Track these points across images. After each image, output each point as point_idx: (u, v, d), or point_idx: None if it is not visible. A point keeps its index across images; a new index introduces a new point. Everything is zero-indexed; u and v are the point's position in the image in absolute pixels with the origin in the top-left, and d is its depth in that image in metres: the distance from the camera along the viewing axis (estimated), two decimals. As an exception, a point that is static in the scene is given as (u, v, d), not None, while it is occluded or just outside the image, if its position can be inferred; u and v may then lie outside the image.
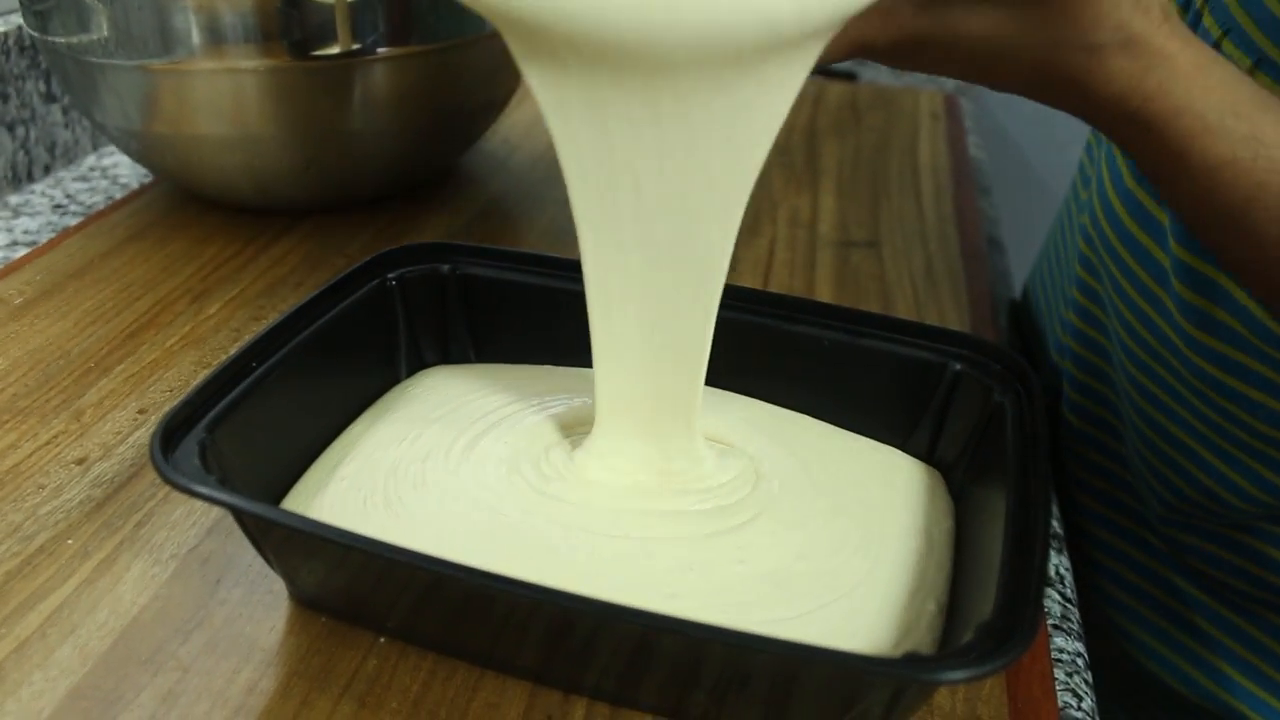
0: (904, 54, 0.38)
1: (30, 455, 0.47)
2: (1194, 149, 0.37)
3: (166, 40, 0.59)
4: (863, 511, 0.42)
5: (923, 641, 0.36)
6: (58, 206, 0.73)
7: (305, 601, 0.39)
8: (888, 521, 0.41)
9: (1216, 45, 0.47)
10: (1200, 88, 0.36)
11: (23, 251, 0.66)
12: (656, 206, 0.37)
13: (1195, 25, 0.49)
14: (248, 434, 0.40)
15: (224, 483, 0.36)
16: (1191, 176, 0.38)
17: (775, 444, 0.45)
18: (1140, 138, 0.38)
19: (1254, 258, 0.40)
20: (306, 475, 0.42)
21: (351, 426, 0.46)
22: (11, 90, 0.75)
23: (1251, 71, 0.45)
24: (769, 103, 0.35)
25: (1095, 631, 0.58)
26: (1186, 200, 0.40)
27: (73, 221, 0.71)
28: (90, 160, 0.82)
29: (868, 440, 0.47)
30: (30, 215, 0.72)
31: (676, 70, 0.33)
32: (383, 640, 0.38)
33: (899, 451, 0.46)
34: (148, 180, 0.76)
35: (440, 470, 0.42)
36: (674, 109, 0.34)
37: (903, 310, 0.62)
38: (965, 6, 0.36)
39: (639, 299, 0.39)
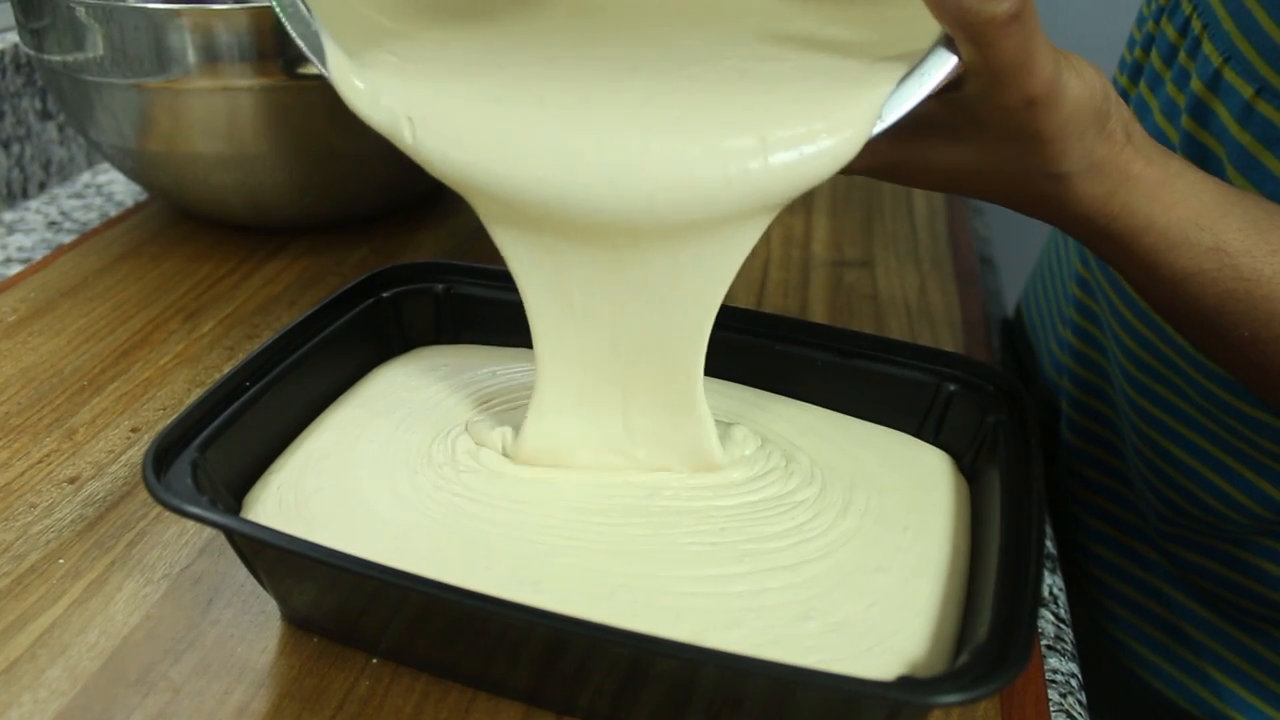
0: (880, 176, 0.40)
1: (22, 474, 0.46)
2: (1161, 262, 0.39)
3: (161, 59, 0.59)
4: (919, 521, 0.41)
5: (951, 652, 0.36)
6: (52, 224, 0.73)
7: (297, 622, 0.39)
8: (937, 530, 0.41)
9: (1217, 73, 0.47)
10: (1163, 205, 0.38)
11: (17, 269, 0.66)
12: (613, 329, 0.40)
13: (1194, 53, 0.49)
14: (241, 453, 0.40)
15: (216, 502, 0.36)
16: (1161, 286, 0.40)
17: (826, 449, 0.45)
18: (1111, 251, 0.40)
19: (1230, 357, 0.41)
20: (258, 481, 0.42)
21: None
22: (7, 108, 0.75)
23: (1253, 99, 0.45)
24: (718, 259, 0.38)
25: (1096, 648, 0.58)
26: (1161, 305, 0.41)
27: (67, 239, 0.71)
28: (85, 178, 0.82)
29: (892, 431, 0.47)
30: (25, 232, 0.72)
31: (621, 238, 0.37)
32: (375, 661, 0.38)
33: (922, 442, 0.46)
34: (142, 198, 0.76)
35: (335, 471, 0.41)
36: (623, 263, 0.38)
37: (896, 330, 0.62)
38: (937, 140, 0.38)
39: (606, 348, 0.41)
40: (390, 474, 0.41)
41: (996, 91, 0.35)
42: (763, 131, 0.35)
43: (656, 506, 0.41)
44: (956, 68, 0.34)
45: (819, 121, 0.35)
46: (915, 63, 0.35)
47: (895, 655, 0.35)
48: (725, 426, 0.44)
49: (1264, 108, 0.45)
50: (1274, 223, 0.38)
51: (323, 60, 0.37)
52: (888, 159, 0.39)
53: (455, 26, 0.41)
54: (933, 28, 0.35)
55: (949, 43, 0.34)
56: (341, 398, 0.46)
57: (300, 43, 0.38)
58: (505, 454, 0.43)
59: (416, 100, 0.37)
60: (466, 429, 0.44)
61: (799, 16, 0.41)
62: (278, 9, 0.38)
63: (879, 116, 0.35)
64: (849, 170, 0.40)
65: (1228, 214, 0.38)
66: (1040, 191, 0.38)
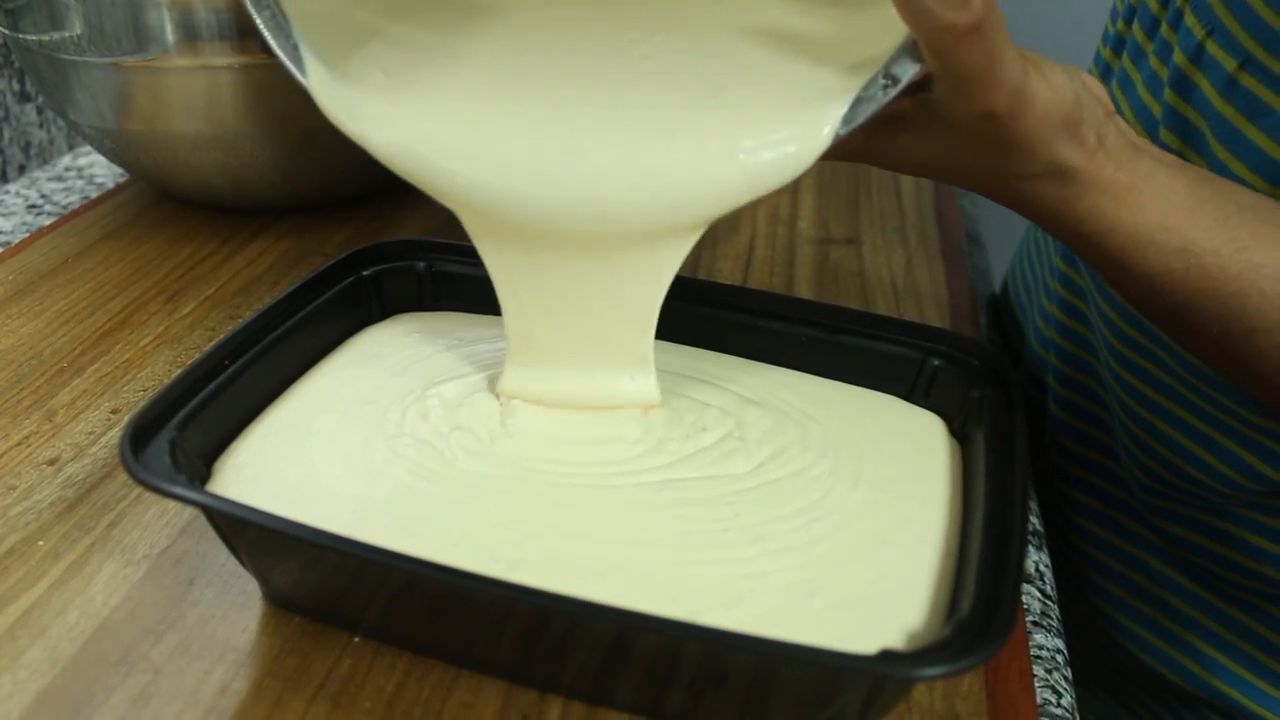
0: (853, 160, 0.41)
1: (1, 456, 0.46)
2: (1129, 262, 0.39)
3: (140, 37, 0.58)
4: (924, 489, 0.41)
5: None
6: (32, 207, 0.73)
7: (279, 601, 0.39)
8: (938, 497, 0.40)
9: (1200, 46, 0.47)
10: (1129, 208, 0.38)
11: (-4, 251, 0.65)
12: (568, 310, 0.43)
13: (1176, 25, 0.49)
14: (220, 432, 0.40)
15: (195, 481, 0.36)
16: (1131, 283, 0.40)
17: (836, 418, 0.44)
18: (1080, 249, 0.40)
19: (1203, 349, 0.42)
20: (223, 452, 0.41)
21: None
22: (-15, 89, 0.74)
23: (1236, 73, 0.45)
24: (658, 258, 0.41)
25: (1084, 622, 0.58)
26: (1133, 300, 0.42)
27: (47, 222, 0.70)
28: (65, 160, 0.81)
29: (889, 396, 0.46)
30: (4, 216, 0.71)
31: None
32: (357, 640, 0.37)
33: (917, 407, 0.46)
34: (123, 179, 0.76)
35: (294, 442, 0.41)
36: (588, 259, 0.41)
37: (882, 307, 0.62)
38: (908, 135, 0.38)
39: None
40: (344, 446, 0.41)
41: (959, 100, 0.35)
42: (729, 140, 0.38)
43: (666, 499, 0.40)
44: (918, 73, 0.35)
45: (783, 130, 0.37)
46: (881, 66, 0.35)
47: (899, 630, 0.34)
48: (742, 405, 0.44)
49: (1247, 81, 0.44)
50: (1244, 218, 0.38)
51: (303, 73, 0.39)
52: (860, 150, 0.40)
53: (427, 22, 0.40)
54: (901, 27, 0.35)
55: (914, 48, 0.34)
56: (313, 367, 0.45)
57: (282, 56, 0.39)
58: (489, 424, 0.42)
59: (393, 118, 0.40)
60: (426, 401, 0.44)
61: (771, 7, 0.41)
62: (260, 22, 0.38)
63: (842, 120, 0.37)
64: (823, 156, 0.40)
65: (1197, 212, 0.38)
66: (1008, 190, 0.39)
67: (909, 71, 0.35)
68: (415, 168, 0.40)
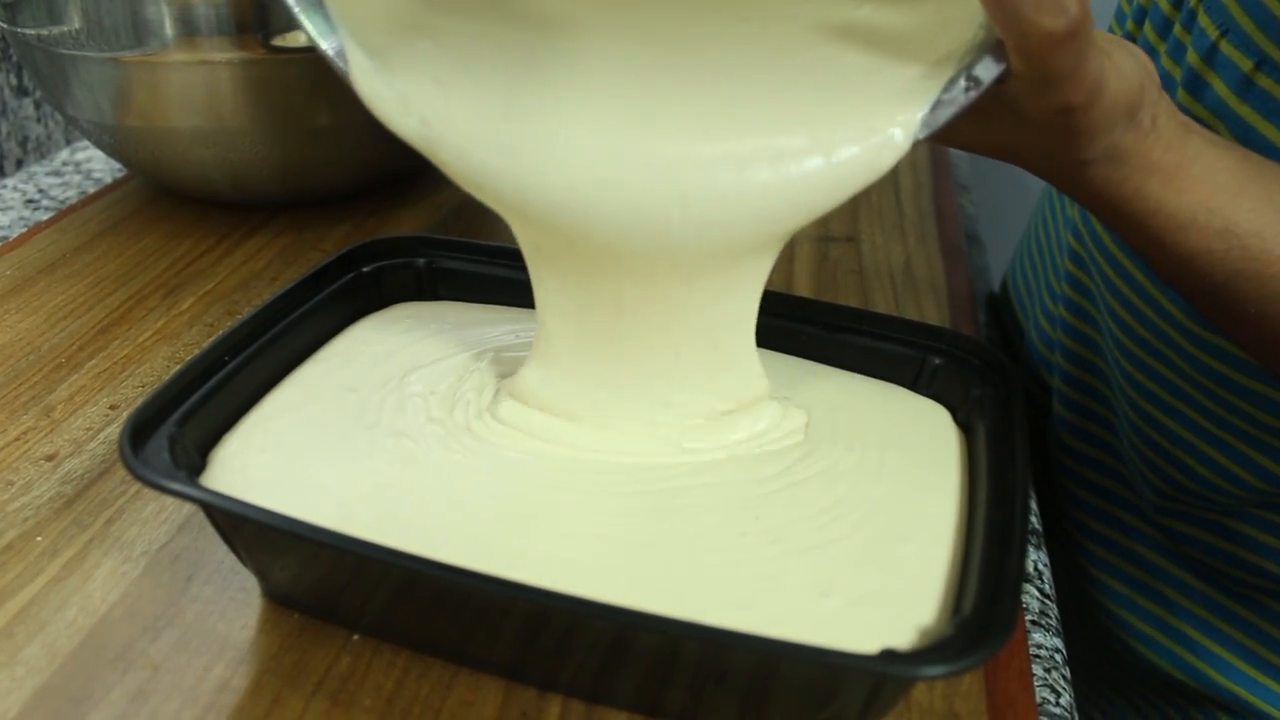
0: None
1: (-1, 451, 0.46)
2: (1168, 242, 0.39)
3: (139, 32, 0.58)
4: (940, 481, 0.40)
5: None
6: (30, 201, 0.73)
7: (278, 598, 0.39)
8: (951, 489, 0.40)
9: (1214, 46, 0.46)
10: (1175, 189, 0.38)
11: (-7, 246, 0.65)
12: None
13: (1190, 25, 0.49)
14: (219, 428, 0.40)
15: (194, 477, 0.36)
16: (1169, 263, 0.40)
17: (863, 407, 0.44)
18: (1120, 227, 0.40)
19: (1236, 330, 0.42)
20: (215, 445, 0.40)
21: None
22: (-18, 83, 0.74)
23: (1252, 73, 0.44)
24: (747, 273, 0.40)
25: (1088, 620, 0.58)
26: (1168, 278, 0.42)
27: (45, 216, 0.70)
28: (63, 155, 0.81)
29: (894, 386, 0.46)
30: (2, 210, 0.71)
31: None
32: (356, 637, 0.37)
33: (924, 398, 0.45)
34: (121, 174, 0.76)
35: (280, 433, 0.40)
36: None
37: (881, 306, 0.62)
38: (972, 124, 0.37)
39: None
40: (327, 437, 0.40)
41: (1040, 97, 0.34)
42: (816, 142, 0.37)
43: (678, 505, 0.39)
44: (1003, 73, 0.34)
45: (866, 132, 0.36)
46: (961, 68, 0.35)
47: (913, 628, 0.34)
48: (783, 405, 0.43)
49: (1263, 81, 0.44)
50: None
51: (343, 60, 0.37)
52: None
53: (480, 17, 0.38)
54: (973, 16, 0.34)
55: (997, 49, 0.34)
56: (308, 358, 0.45)
57: (317, 38, 0.36)
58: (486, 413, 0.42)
59: (447, 115, 0.37)
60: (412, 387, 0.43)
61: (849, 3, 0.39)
62: (296, 7, 0.36)
63: (921, 124, 0.36)
64: None
65: (1242, 193, 0.38)
66: (1058, 172, 0.39)
67: (992, 73, 0.34)
68: (475, 174, 0.37)
